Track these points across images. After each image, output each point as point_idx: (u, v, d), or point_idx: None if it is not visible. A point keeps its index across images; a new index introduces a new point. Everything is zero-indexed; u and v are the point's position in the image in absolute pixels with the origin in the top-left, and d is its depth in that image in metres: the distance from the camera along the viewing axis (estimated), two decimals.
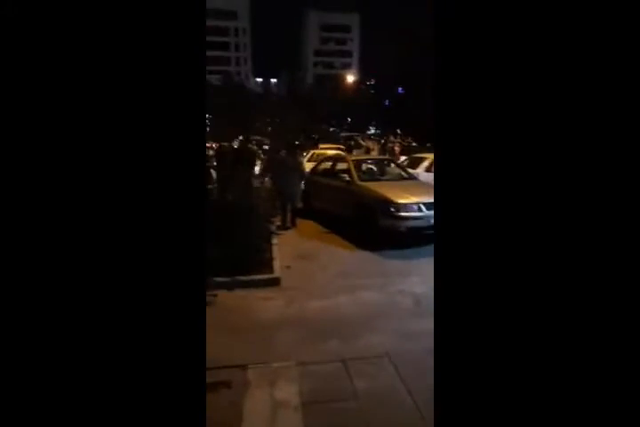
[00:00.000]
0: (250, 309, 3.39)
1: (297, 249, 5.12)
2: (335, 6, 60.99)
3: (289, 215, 6.23)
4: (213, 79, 42.52)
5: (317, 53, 63.51)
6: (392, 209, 4.88)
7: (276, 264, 4.28)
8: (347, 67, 60.99)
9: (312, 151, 11.96)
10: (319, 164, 7.54)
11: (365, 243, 5.21)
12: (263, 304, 3.48)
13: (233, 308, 3.38)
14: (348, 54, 64.70)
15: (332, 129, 33.87)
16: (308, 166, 7.52)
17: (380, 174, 6.46)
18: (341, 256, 4.89)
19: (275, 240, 5.23)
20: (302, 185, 6.49)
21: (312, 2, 61.11)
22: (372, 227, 5.15)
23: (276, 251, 4.74)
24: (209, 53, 57.84)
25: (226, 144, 9.24)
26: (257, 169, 8.28)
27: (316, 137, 22.23)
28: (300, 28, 66.32)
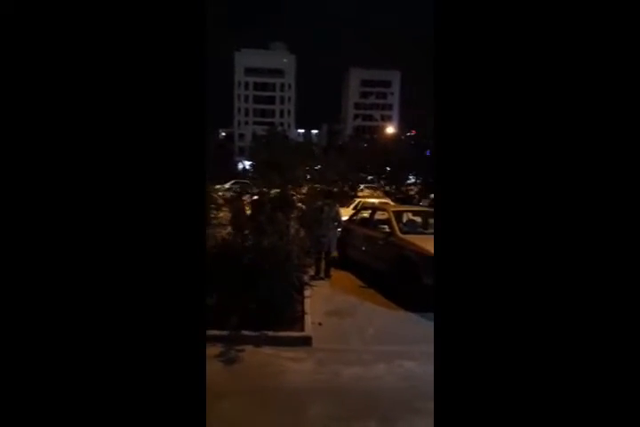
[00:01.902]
0: (278, 370, 3.05)
1: (330, 304, 4.78)
2: (376, 64, 64.70)
3: (323, 265, 5.96)
4: (259, 129, 45.29)
5: (357, 106, 66.45)
6: None
7: (308, 320, 3.95)
8: (387, 119, 63.03)
9: (358, 200, 11.94)
10: (357, 212, 7.35)
11: (407, 302, 4.79)
12: (292, 366, 3.13)
13: (260, 367, 3.06)
14: (389, 107, 67.16)
15: (369, 178, 34.15)
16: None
17: (424, 227, 6.13)
18: (380, 315, 4.48)
19: (307, 292, 4.92)
20: (338, 233, 6.27)
21: (353, 60, 65.26)
22: (414, 284, 4.75)
23: (308, 304, 4.43)
24: (256, 106, 62.71)
25: (266, 190, 9.37)
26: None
27: (352, 184, 22.43)
28: (342, 83, 70.25)
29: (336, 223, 5.98)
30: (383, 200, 12.73)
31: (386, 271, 5.45)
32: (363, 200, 11.89)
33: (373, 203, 10.80)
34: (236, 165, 35.38)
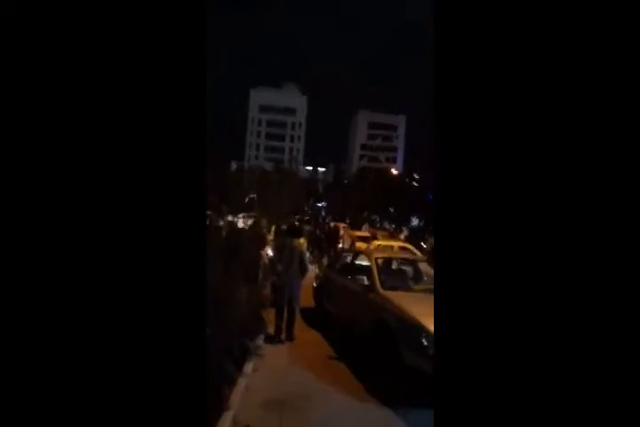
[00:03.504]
0: None
1: (277, 387, 3.40)
2: (383, 107, 66.28)
3: (285, 324, 4.62)
4: (268, 166, 45.81)
5: (363, 147, 67.22)
6: (424, 341, 3.11)
7: (225, 424, 2.59)
8: (391, 161, 63.37)
9: (377, 242, 10.29)
10: (338, 256, 6.11)
11: (384, 388, 3.40)
12: None
13: None
14: (394, 150, 67.76)
15: (373, 217, 33.55)
16: None
17: (414, 280, 4.83)
18: (341, 413, 3.04)
19: (251, 364, 3.58)
20: (310, 280, 5.00)
21: (362, 102, 67.39)
22: (393, 362, 3.39)
23: (240, 389, 3.07)
24: (267, 143, 63.99)
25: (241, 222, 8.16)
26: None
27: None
28: (350, 125, 71.57)
29: (302, 268, 4.68)
30: (403, 245, 10.40)
31: (361, 336, 4.12)
32: (383, 243, 10.28)
33: (392, 247, 9.45)
34: (246, 198, 36.09)
